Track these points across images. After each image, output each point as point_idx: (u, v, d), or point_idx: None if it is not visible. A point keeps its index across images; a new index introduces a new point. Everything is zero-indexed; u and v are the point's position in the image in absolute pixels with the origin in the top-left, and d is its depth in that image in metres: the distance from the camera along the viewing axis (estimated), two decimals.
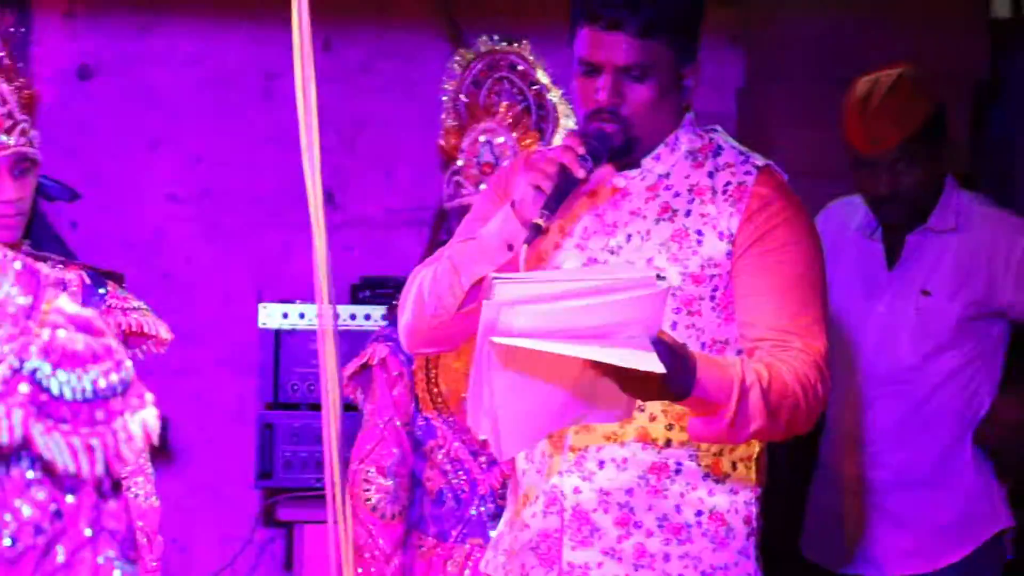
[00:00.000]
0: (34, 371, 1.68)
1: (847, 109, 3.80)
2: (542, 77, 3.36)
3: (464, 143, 3.32)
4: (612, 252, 2.72)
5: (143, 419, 1.71)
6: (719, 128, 2.84)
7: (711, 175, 2.73)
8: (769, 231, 2.69)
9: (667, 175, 2.74)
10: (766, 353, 2.61)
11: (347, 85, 4.89)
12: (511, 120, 3.30)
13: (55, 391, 1.68)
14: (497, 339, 2.29)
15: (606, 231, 2.74)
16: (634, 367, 2.29)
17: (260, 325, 4.42)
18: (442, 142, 3.38)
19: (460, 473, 3.31)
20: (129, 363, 1.71)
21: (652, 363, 2.29)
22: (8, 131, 3.06)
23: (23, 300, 1.74)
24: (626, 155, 2.69)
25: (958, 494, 3.83)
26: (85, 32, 4.81)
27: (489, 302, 2.28)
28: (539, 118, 3.32)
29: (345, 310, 4.43)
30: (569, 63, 2.74)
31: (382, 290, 4.52)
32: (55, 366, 1.69)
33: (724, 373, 2.49)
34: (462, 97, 3.37)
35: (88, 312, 1.75)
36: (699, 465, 2.71)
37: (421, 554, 3.34)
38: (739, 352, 2.69)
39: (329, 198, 4.89)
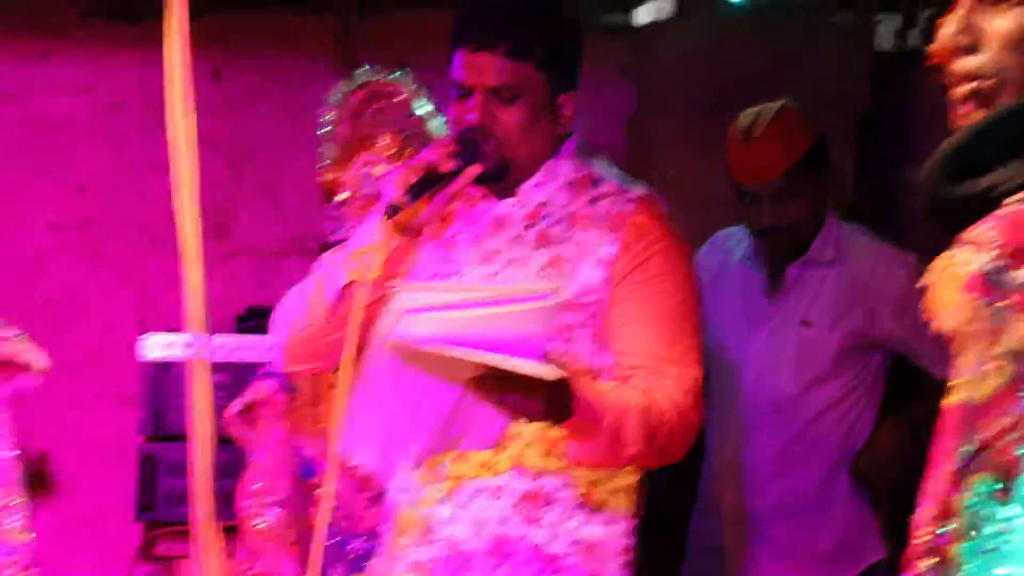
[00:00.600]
0: None
1: (729, 141, 3.83)
2: (423, 106, 3.35)
3: (345, 176, 3.30)
4: (490, 279, 2.71)
5: None
6: (601, 158, 2.85)
7: (590, 204, 2.74)
8: (646, 260, 2.70)
9: (546, 203, 2.75)
10: (642, 380, 2.63)
11: (236, 114, 4.87)
12: (392, 151, 3.29)
13: None
14: (396, 343, 2.30)
15: (485, 258, 2.74)
16: (532, 374, 2.31)
17: (142, 356, 4.37)
18: (322, 176, 3.36)
19: (341, 510, 3.29)
20: None
21: (549, 371, 2.33)
22: None
23: None
24: (499, 178, 2.71)
25: (835, 523, 3.85)
26: None
27: (390, 309, 2.29)
28: (420, 147, 3.31)
29: (231, 341, 4.40)
30: None
31: (268, 320, 4.47)
32: None
33: (603, 396, 2.52)
34: (341, 129, 3.35)
35: None
36: (573, 495, 2.70)
37: None
38: (613, 379, 2.70)
39: (217, 227, 4.85)
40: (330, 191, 3.34)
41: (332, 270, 2.68)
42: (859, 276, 3.83)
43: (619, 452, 2.55)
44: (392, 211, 2.56)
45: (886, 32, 4.81)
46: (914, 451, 3.92)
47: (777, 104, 3.81)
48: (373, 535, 3.26)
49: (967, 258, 1.68)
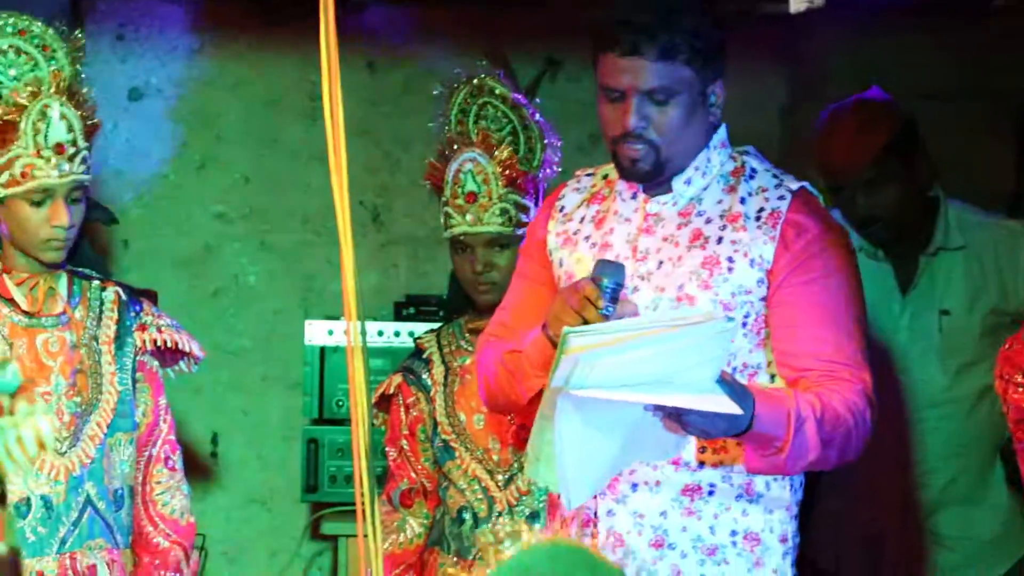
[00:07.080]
0: None
1: (814, 135, 3.79)
2: (519, 99, 3.41)
3: (448, 174, 3.37)
4: (643, 279, 2.73)
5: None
6: (751, 149, 2.85)
7: (743, 200, 2.75)
8: (807, 259, 2.69)
9: (699, 200, 2.76)
10: (813, 382, 2.63)
11: (392, 106, 4.93)
12: (490, 145, 3.34)
13: None
14: (576, 391, 2.37)
15: (638, 258, 2.75)
16: (715, 410, 2.38)
17: (306, 342, 4.47)
18: (429, 175, 3.43)
19: (478, 492, 3.35)
20: None
21: (730, 405, 2.39)
22: (71, 158, 3.11)
23: None
24: (658, 176, 2.73)
25: (995, 512, 3.83)
26: (135, 55, 4.87)
27: (566, 356, 2.35)
28: (526, 139, 3.38)
29: (389, 327, 4.48)
30: None
31: (426, 307, 4.55)
32: None
33: (779, 406, 2.54)
34: (453, 126, 3.42)
35: None
36: (732, 485, 2.73)
37: (443, 572, 3.38)
38: (772, 378, 2.72)
39: (374, 217, 4.93)
40: (437, 189, 3.41)
41: (520, 377, 2.75)
42: (984, 254, 3.78)
43: (798, 460, 2.58)
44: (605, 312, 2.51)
45: None
46: None
47: (854, 97, 3.76)
48: (508, 515, 3.32)
49: None
